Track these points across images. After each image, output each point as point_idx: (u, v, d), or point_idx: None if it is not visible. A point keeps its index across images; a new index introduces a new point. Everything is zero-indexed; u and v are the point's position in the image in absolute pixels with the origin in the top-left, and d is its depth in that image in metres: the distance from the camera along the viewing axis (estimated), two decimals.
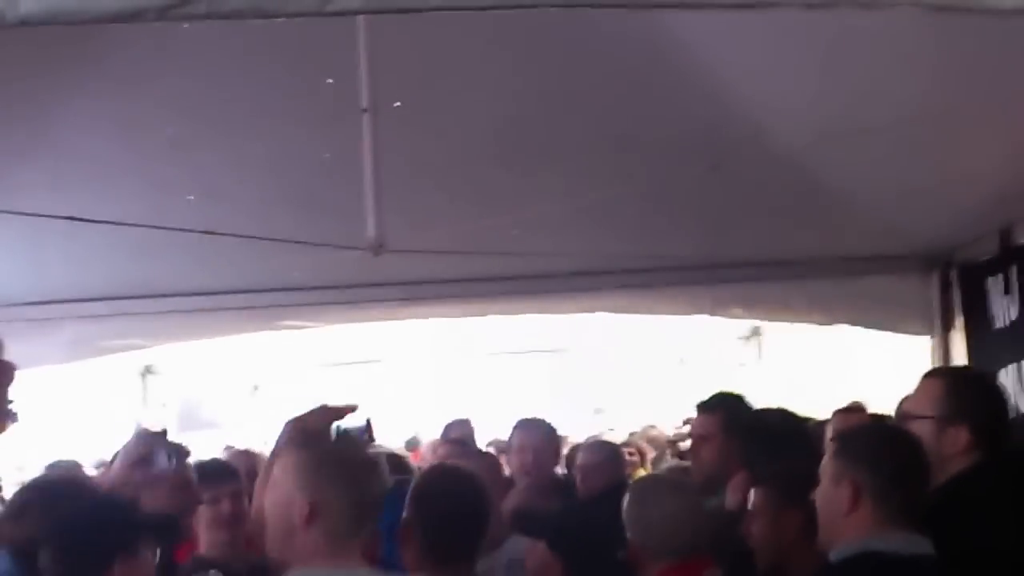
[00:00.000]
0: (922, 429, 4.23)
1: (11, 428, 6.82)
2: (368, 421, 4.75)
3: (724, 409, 6.02)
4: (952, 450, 4.19)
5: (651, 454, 10.46)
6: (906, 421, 4.40)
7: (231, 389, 12.64)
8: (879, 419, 5.86)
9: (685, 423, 10.55)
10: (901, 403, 6.94)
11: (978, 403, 4.32)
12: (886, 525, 3.85)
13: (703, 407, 6.21)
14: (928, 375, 4.56)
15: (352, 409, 4.65)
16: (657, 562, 4.71)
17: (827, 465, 4.03)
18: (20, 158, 6.45)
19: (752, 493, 4.91)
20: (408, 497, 4.58)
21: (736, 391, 6.45)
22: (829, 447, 4.22)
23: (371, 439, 4.88)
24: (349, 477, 3.96)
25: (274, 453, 4.58)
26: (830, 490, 3.97)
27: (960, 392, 4.32)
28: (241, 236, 6.75)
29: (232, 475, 6.24)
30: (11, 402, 6.85)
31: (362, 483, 4.00)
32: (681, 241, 8.40)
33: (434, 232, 6.97)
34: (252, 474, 5.87)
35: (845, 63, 5.84)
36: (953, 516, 4.05)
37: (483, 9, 3.01)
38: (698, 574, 4.74)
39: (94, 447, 7.35)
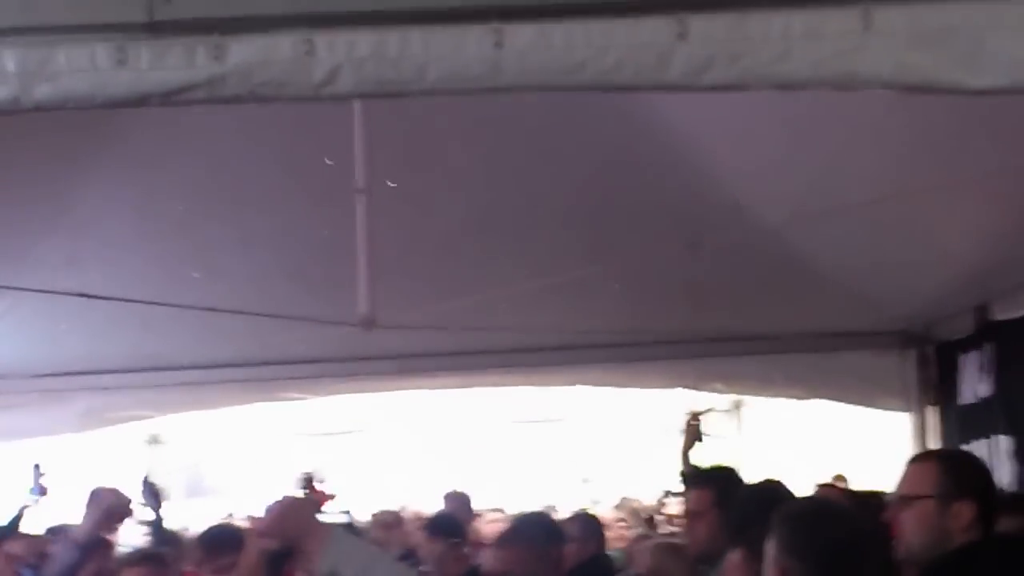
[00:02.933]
0: (924, 510, 4.18)
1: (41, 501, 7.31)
2: (349, 519, 4.65)
3: (715, 484, 5.83)
4: (957, 525, 4.12)
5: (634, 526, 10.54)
6: (905, 504, 4.27)
7: (232, 458, 12.77)
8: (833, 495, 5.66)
9: (665, 496, 10.68)
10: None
11: (979, 478, 4.30)
12: None
13: (695, 482, 6.15)
14: (916, 459, 4.50)
15: (328, 499, 4.67)
16: None
17: (768, 545, 3.70)
18: (39, 237, 6.81)
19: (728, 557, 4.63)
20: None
21: (727, 464, 6.39)
22: None
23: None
24: None
25: (248, 555, 4.62)
26: (768, 572, 3.67)
27: (958, 469, 4.28)
28: (241, 313, 7.02)
29: (237, 544, 6.42)
30: (42, 475, 7.32)
31: None
32: (663, 316, 8.59)
33: (424, 308, 7.19)
34: None
35: (823, 141, 6.06)
36: None
37: (469, 93, 3.30)
38: None
39: None
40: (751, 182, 6.72)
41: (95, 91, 3.25)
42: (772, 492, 5.27)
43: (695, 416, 7.33)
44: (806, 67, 3.15)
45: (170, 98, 3.28)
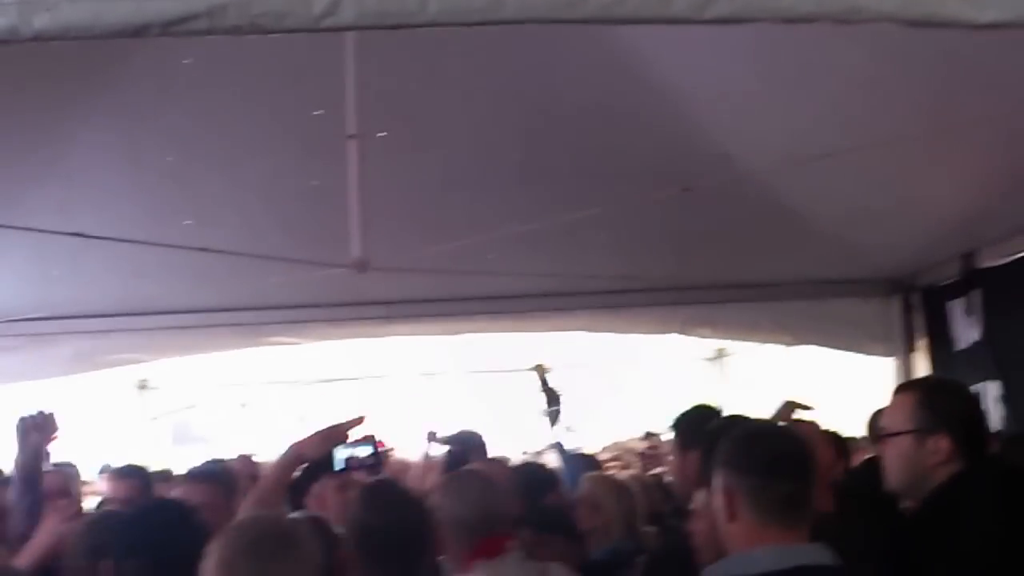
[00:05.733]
0: (902, 444, 4.14)
1: None
2: (374, 447, 4.46)
3: (679, 427, 5.85)
4: (935, 460, 4.09)
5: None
6: (884, 439, 4.26)
7: (222, 404, 12.77)
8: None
9: (646, 437, 10.73)
10: (875, 420, 6.96)
11: (954, 411, 4.20)
12: (769, 531, 3.44)
13: (671, 427, 6.07)
14: (900, 389, 4.41)
15: (357, 423, 4.46)
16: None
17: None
18: (32, 183, 6.78)
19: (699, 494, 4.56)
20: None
21: (699, 404, 6.42)
22: None
23: (377, 464, 4.61)
24: None
25: (270, 474, 4.59)
26: (714, 501, 3.60)
27: (934, 402, 4.19)
28: (233, 253, 7.01)
29: (225, 477, 6.48)
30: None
31: None
32: (652, 263, 8.66)
33: (415, 253, 7.17)
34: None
35: (811, 89, 6.07)
36: (938, 528, 3.99)
37: (470, 25, 3.17)
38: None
39: (91, 457, 7.69)
40: (740, 130, 6.73)
41: (95, 21, 3.15)
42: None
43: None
44: (810, 0, 3.11)
45: (170, 28, 3.20)
